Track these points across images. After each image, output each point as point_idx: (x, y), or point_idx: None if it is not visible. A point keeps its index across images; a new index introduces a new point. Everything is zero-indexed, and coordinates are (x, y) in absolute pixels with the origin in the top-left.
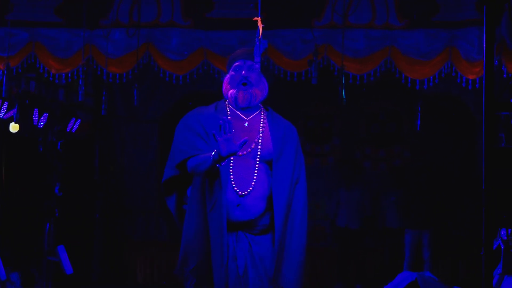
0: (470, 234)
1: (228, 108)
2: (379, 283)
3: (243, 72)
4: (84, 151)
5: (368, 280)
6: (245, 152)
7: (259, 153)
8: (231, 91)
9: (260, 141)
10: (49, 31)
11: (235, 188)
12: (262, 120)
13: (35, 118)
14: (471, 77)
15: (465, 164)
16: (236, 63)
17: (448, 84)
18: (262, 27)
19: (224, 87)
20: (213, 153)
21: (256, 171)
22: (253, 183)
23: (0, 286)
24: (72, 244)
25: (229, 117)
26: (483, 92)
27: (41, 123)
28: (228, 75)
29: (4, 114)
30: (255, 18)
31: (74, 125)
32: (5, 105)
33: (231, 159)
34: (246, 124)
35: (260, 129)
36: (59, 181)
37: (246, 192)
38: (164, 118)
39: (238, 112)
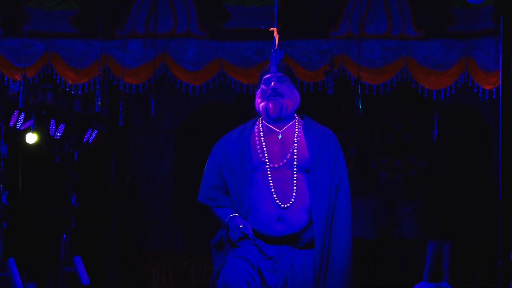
0: (486, 244)
1: (260, 125)
2: None
3: (272, 83)
4: (100, 161)
5: None
6: (281, 164)
7: (295, 163)
8: (262, 104)
9: (295, 151)
10: (65, 41)
11: (277, 201)
12: (296, 130)
13: (52, 129)
14: (487, 87)
15: (481, 174)
16: (266, 76)
17: (464, 95)
18: (278, 38)
19: (256, 102)
20: (227, 219)
21: (295, 182)
22: (294, 194)
23: None
24: (88, 254)
25: (262, 133)
26: (500, 102)
27: (58, 134)
28: (259, 90)
29: (21, 125)
30: (271, 28)
31: (91, 136)
32: (22, 116)
33: (268, 173)
34: (279, 137)
35: (295, 139)
36: (75, 191)
37: (288, 205)
38: (180, 129)
39: (271, 126)
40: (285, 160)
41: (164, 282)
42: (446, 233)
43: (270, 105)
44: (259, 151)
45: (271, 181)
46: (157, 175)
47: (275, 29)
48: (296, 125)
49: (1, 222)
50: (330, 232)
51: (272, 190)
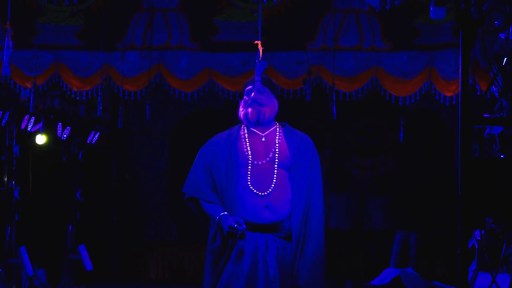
0: (447, 234)
1: (244, 129)
2: (366, 278)
3: (253, 94)
4: (103, 161)
5: (356, 275)
6: (264, 161)
7: (276, 160)
8: (243, 111)
9: (277, 150)
10: (71, 53)
11: (255, 191)
12: (278, 134)
13: (59, 131)
14: (448, 94)
15: (442, 172)
16: (247, 88)
17: (428, 101)
18: (262, 50)
19: (239, 111)
20: (218, 218)
21: (275, 176)
22: (273, 185)
23: (28, 281)
24: (92, 243)
25: (246, 135)
26: (459, 108)
27: (64, 136)
28: (242, 100)
29: (31, 128)
30: (256, 41)
31: (94, 137)
32: (32, 119)
33: (249, 168)
34: (263, 139)
35: (277, 141)
36: (80, 187)
37: (266, 193)
38: (174, 132)
39: (254, 129)
40: (268, 158)
41: (160, 269)
42: (412, 225)
43: (249, 109)
44: (244, 150)
45: (249, 175)
46: (153, 174)
47: (259, 42)
48: (277, 130)
49: (13, 215)
50: (306, 224)
51: (249, 183)
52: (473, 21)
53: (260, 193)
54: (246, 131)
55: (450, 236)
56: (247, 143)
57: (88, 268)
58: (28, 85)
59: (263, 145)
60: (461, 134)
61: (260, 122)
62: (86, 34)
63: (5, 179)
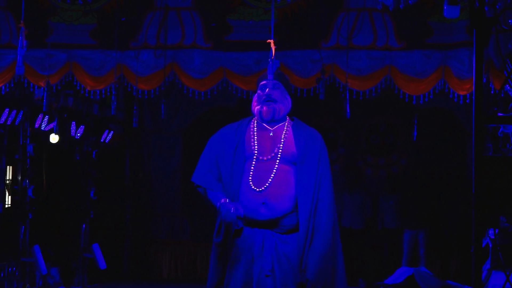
0: (461, 233)
1: (255, 123)
2: (379, 277)
3: (267, 90)
4: (116, 159)
5: (369, 274)
6: (269, 157)
7: (279, 156)
8: (257, 107)
9: (281, 145)
10: (85, 52)
11: (252, 186)
12: (285, 129)
13: (73, 130)
14: (462, 93)
15: (456, 171)
16: (262, 83)
17: (441, 99)
18: (275, 49)
19: (252, 105)
20: (219, 205)
21: (274, 171)
22: (270, 180)
23: (41, 279)
24: (105, 242)
25: (255, 129)
26: (473, 107)
27: (78, 135)
28: (256, 94)
29: (45, 126)
30: (269, 40)
31: (107, 136)
32: (46, 118)
33: (253, 163)
34: (271, 134)
35: (283, 136)
36: (94, 186)
37: (262, 188)
38: (187, 130)
39: (264, 124)
40: (272, 154)
41: (173, 267)
42: (421, 223)
43: (264, 108)
44: (252, 144)
45: (252, 170)
46: (167, 172)
47: (272, 41)
48: (286, 124)
49: (27, 213)
50: (314, 218)
51: (250, 178)
52: (486, 20)
53: (257, 189)
54: (256, 124)
55: (464, 235)
56: (255, 138)
57: (101, 266)
58: (42, 84)
59: (270, 140)
60: (475, 132)
61: (274, 119)
62: (99, 33)
63: (19, 177)
